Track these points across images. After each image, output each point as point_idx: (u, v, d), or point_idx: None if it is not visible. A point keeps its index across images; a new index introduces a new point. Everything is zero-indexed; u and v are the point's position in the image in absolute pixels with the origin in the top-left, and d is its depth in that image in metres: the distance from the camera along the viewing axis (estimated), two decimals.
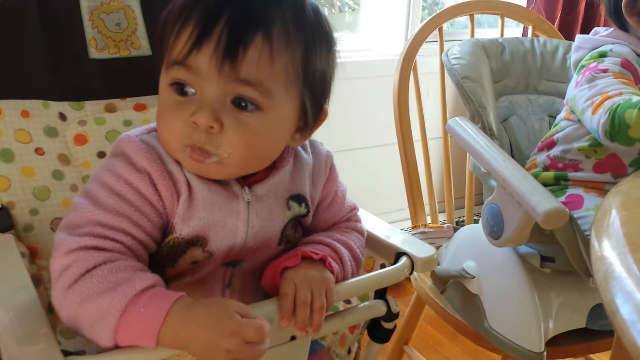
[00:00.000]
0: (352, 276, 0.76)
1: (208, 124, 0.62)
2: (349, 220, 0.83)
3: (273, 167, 0.74)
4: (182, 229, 0.67)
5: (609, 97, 0.99)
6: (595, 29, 1.18)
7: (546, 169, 1.17)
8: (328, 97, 0.74)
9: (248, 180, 0.72)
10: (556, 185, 1.14)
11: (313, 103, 0.70)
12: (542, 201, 0.85)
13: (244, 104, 0.63)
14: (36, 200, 0.84)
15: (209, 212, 0.68)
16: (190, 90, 0.63)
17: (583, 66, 1.11)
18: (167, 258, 0.69)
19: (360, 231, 0.83)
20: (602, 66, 1.06)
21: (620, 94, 0.99)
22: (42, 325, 0.60)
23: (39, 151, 0.85)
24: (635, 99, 0.95)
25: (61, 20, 0.88)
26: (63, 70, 0.88)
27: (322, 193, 0.80)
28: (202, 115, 0.61)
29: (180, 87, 0.64)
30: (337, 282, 0.71)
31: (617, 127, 0.95)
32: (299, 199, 0.76)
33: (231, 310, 0.59)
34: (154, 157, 0.66)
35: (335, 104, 1.96)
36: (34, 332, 0.59)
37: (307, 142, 0.80)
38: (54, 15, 0.87)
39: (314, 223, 0.80)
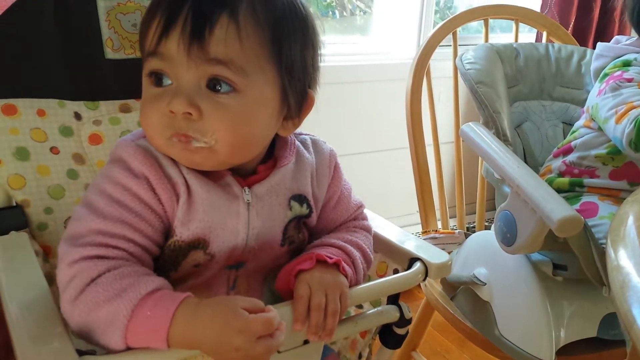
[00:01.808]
0: (364, 277, 0.76)
1: (184, 109, 0.61)
2: (356, 218, 0.83)
3: (274, 167, 0.73)
4: (183, 232, 0.67)
5: (634, 107, 0.98)
6: (617, 37, 1.17)
7: (561, 174, 1.16)
8: (314, 83, 0.73)
9: (248, 181, 0.71)
10: (571, 191, 1.14)
11: (294, 87, 0.69)
12: (557, 208, 0.84)
13: (219, 87, 0.63)
14: (51, 199, 0.84)
15: (208, 215, 0.67)
16: (167, 80, 0.64)
17: (607, 74, 1.10)
18: (170, 262, 0.69)
19: (368, 229, 0.82)
20: (627, 75, 1.06)
21: None
22: (56, 324, 0.60)
23: (54, 150, 0.86)
24: None
25: (78, 20, 0.88)
26: (79, 69, 0.89)
27: (327, 193, 0.80)
28: (177, 102, 0.61)
29: (157, 79, 0.64)
30: (350, 286, 0.71)
31: None
32: (300, 199, 0.75)
33: (237, 307, 0.59)
34: (151, 161, 0.66)
35: (348, 107, 1.97)
36: (49, 331, 0.59)
37: (309, 141, 0.79)
38: (71, 15, 0.87)
39: (321, 223, 0.80)
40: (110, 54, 0.90)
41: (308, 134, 0.81)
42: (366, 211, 0.87)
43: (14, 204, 0.83)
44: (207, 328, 0.57)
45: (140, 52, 0.68)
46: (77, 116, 0.89)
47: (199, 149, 0.64)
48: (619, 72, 1.08)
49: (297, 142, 0.77)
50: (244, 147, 0.67)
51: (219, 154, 0.65)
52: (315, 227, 0.80)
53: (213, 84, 0.63)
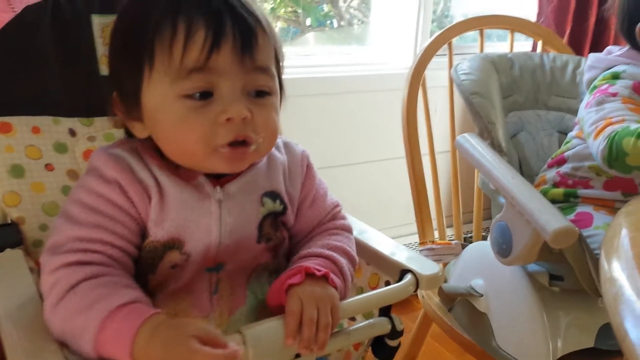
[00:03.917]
0: (352, 280, 0.78)
1: (244, 114, 0.65)
2: (334, 218, 0.83)
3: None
4: (157, 232, 0.68)
5: (611, 124, 0.99)
6: (609, 47, 1.17)
7: (556, 185, 1.16)
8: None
9: (221, 181, 0.73)
10: (565, 202, 1.14)
11: (280, 84, 0.74)
12: (552, 220, 0.84)
13: (260, 91, 0.68)
14: (46, 216, 0.85)
15: (181, 214, 0.69)
16: (209, 92, 0.65)
17: (595, 87, 1.10)
18: (147, 264, 0.70)
19: (348, 229, 0.83)
20: (612, 89, 1.06)
21: (622, 120, 0.99)
22: (50, 340, 0.60)
23: (48, 167, 0.86)
24: (633, 126, 0.95)
25: (73, 37, 0.89)
26: (74, 86, 0.89)
27: (302, 192, 0.81)
28: (237, 109, 0.64)
29: (202, 93, 0.65)
30: (340, 295, 0.72)
31: (614, 154, 0.96)
32: (273, 195, 0.76)
33: (187, 335, 0.58)
34: (122, 166, 0.68)
35: (344, 117, 1.97)
36: (42, 347, 0.60)
37: (280, 143, 0.82)
38: (66, 32, 0.88)
39: (300, 223, 0.81)
40: (104, 70, 0.91)
41: (280, 137, 0.82)
42: (358, 222, 0.88)
43: (9, 222, 0.84)
44: (158, 349, 0.57)
45: (138, 64, 0.66)
46: (72, 132, 0.89)
47: (250, 154, 0.68)
48: (605, 86, 1.08)
49: None
50: (273, 145, 0.73)
51: (260, 153, 0.71)
52: (294, 227, 0.81)
53: (257, 89, 0.67)
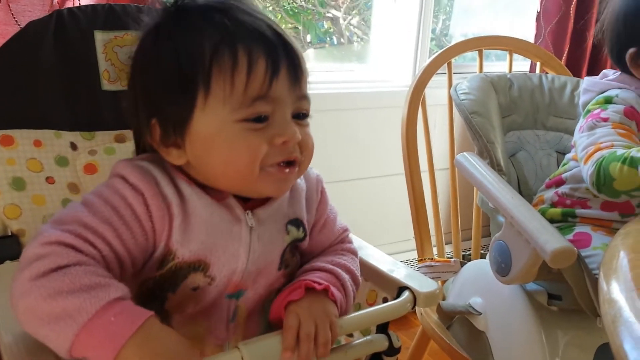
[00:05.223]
0: (354, 299, 0.78)
1: (299, 138, 0.69)
2: (342, 242, 0.85)
3: None
4: (184, 253, 0.68)
5: (600, 149, 1.00)
6: (604, 71, 1.18)
7: (554, 205, 1.16)
8: None
9: (248, 205, 0.73)
10: (564, 222, 1.14)
11: None
12: (551, 240, 0.84)
13: (303, 116, 0.72)
14: None
15: (210, 236, 0.69)
16: (267, 117, 0.67)
17: (589, 111, 1.11)
18: (169, 281, 0.69)
19: (354, 252, 0.84)
20: (604, 114, 1.07)
21: (612, 146, 1.00)
22: (49, 353, 0.59)
23: (49, 180, 0.86)
24: (620, 152, 0.96)
25: (76, 52, 0.89)
26: (76, 101, 0.90)
27: (315, 216, 0.82)
28: (292, 132, 0.68)
29: (259, 117, 0.67)
30: (341, 309, 0.73)
31: (602, 179, 0.97)
32: (297, 223, 0.77)
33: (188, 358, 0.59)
34: (148, 179, 0.67)
35: (343, 134, 1.98)
36: None
37: None
38: (70, 47, 0.89)
39: (309, 246, 0.81)
40: (106, 85, 0.91)
41: None
42: (357, 239, 0.89)
43: (10, 234, 0.84)
44: (154, 356, 0.57)
45: (207, 96, 0.66)
46: (73, 146, 0.90)
47: (295, 174, 0.71)
48: (597, 110, 1.09)
49: None
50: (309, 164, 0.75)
51: (300, 173, 0.74)
52: (304, 249, 0.81)
53: (300, 114, 0.71)
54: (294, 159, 0.70)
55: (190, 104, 0.66)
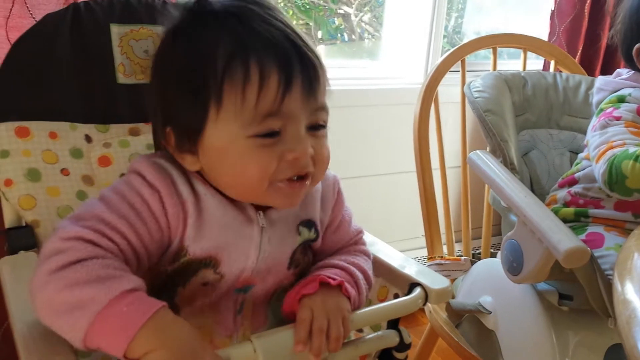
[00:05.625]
0: (366, 298, 0.78)
1: (311, 154, 0.68)
2: (356, 243, 0.85)
3: None
4: (195, 250, 0.69)
5: (612, 148, 1.00)
6: (618, 70, 1.18)
7: (567, 204, 1.16)
8: None
9: (260, 205, 0.73)
10: (576, 222, 1.13)
11: None
12: (564, 239, 0.84)
13: (320, 127, 0.70)
14: (60, 220, 0.85)
15: (222, 235, 0.70)
16: (278, 132, 0.66)
17: (602, 109, 1.11)
18: (179, 276, 0.70)
19: (367, 254, 0.84)
20: (616, 113, 1.07)
21: (624, 144, 0.99)
22: (64, 342, 0.60)
23: (64, 172, 0.87)
24: (632, 149, 0.96)
25: (92, 45, 0.90)
26: (91, 94, 0.90)
27: (330, 216, 0.82)
28: (304, 149, 0.67)
29: (271, 132, 0.66)
30: (354, 305, 0.73)
31: (614, 177, 0.97)
32: (309, 224, 0.78)
33: (201, 349, 0.59)
34: (164, 176, 0.68)
35: (355, 131, 1.97)
36: (56, 350, 0.60)
37: None
38: (85, 40, 0.89)
39: (323, 246, 0.82)
40: (122, 78, 0.92)
41: None
42: (368, 235, 0.89)
43: (24, 224, 0.84)
44: (166, 347, 0.57)
45: (219, 109, 0.66)
46: (88, 139, 0.90)
47: (305, 187, 0.70)
48: (610, 109, 1.08)
49: None
50: (324, 174, 0.74)
51: (312, 185, 0.72)
52: (317, 248, 0.81)
53: (316, 126, 0.69)
54: (305, 174, 0.69)
55: (203, 114, 0.66)
